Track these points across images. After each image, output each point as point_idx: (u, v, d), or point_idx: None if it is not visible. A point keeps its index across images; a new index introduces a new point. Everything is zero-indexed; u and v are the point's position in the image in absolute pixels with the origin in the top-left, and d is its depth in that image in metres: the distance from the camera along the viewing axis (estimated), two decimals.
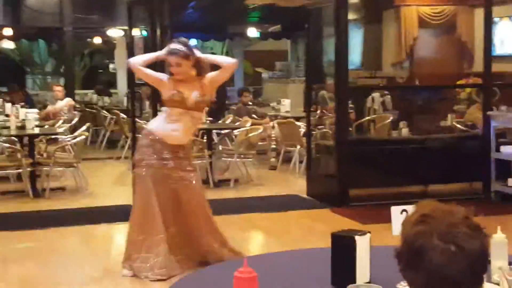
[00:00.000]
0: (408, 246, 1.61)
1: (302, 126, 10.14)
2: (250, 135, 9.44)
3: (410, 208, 2.59)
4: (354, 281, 2.33)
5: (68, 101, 11.54)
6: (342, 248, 2.44)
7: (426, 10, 12.11)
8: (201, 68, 5.33)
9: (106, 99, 15.40)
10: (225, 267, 2.59)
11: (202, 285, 2.53)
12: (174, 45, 5.28)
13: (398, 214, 2.57)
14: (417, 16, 12.07)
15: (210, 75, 5.36)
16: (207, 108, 5.69)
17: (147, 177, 5.25)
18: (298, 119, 10.65)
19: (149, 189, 5.23)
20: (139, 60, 5.52)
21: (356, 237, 2.42)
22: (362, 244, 2.41)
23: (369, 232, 2.48)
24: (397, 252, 1.65)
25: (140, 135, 5.97)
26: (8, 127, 9.40)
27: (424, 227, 1.59)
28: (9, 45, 18.82)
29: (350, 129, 9.19)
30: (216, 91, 5.52)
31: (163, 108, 5.46)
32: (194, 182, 5.38)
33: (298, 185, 9.03)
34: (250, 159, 9.52)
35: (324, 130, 9.90)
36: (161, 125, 5.35)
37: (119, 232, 7.08)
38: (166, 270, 5.12)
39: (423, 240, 1.57)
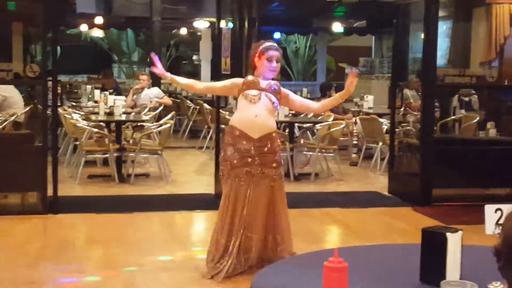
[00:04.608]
0: (508, 243, 1.58)
1: (384, 123, 10.02)
2: (332, 130, 9.39)
3: (505, 207, 2.54)
4: (443, 278, 2.29)
5: (157, 94, 11.38)
6: (433, 244, 2.41)
7: None
8: None
9: None
10: (315, 256, 2.60)
11: (291, 273, 2.54)
12: (271, 43, 5.03)
13: (492, 213, 2.51)
14: (509, 14, 11.71)
15: (290, 93, 5.08)
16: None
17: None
18: (380, 115, 10.51)
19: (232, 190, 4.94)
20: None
21: (448, 234, 2.39)
22: (454, 241, 2.38)
23: (462, 229, 2.44)
24: (496, 249, 1.62)
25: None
26: (97, 113, 9.70)
27: None
28: (98, 33, 19.34)
29: (435, 128, 9.01)
30: None
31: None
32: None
33: (379, 182, 8.96)
34: (331, 154, 9.47)
35: (408, 128, 9.76)
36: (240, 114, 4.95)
37: (199, 220, 7.23)
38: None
39: None
